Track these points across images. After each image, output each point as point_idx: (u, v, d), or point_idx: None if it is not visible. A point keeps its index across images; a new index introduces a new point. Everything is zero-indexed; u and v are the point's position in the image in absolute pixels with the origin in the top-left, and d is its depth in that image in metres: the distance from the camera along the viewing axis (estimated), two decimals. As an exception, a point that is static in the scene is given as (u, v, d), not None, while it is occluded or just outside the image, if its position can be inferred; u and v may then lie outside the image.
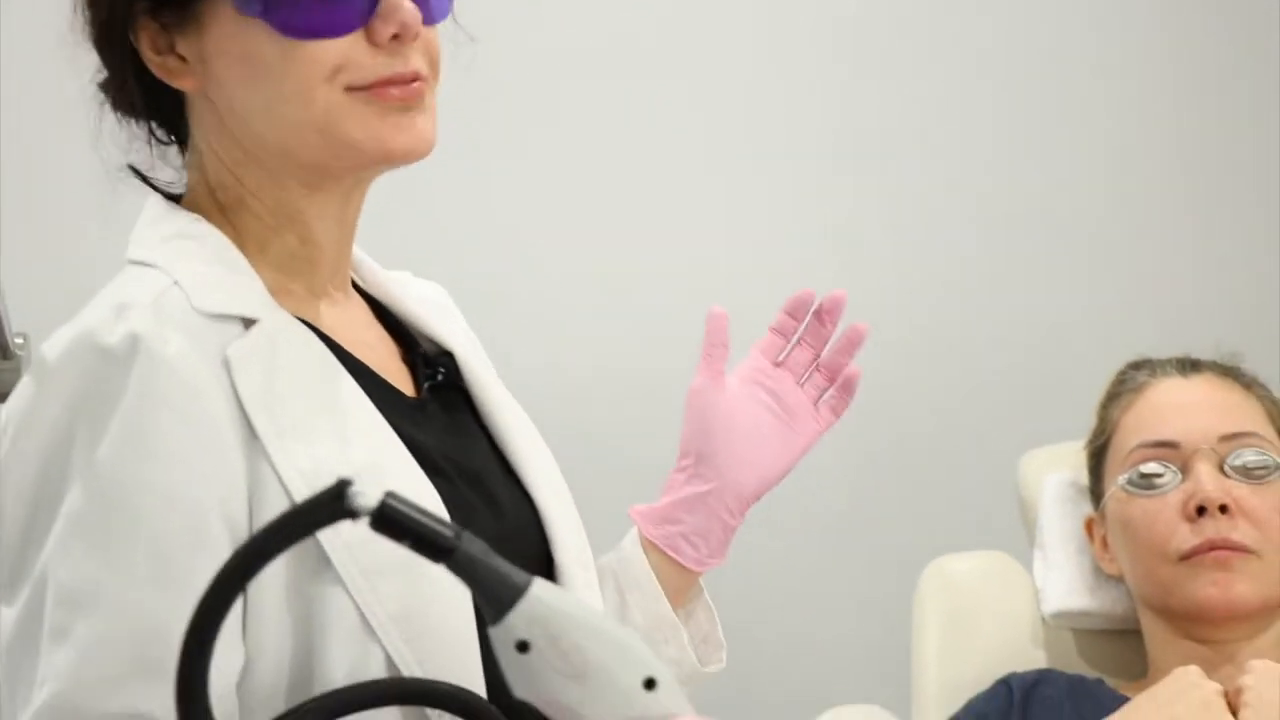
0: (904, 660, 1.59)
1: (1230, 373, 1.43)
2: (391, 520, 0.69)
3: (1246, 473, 1.34)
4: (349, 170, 0.92)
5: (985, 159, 2.21)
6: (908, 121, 2.20)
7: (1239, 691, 1.23)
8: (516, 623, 0.72)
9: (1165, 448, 1.37)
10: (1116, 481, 1.40)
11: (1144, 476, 1.37)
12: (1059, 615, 1.53)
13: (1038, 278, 2.24)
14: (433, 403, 0.97)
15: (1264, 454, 1.35)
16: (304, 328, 0.90)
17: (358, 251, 1.01)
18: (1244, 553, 1.31)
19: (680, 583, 1.09)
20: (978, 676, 1.47)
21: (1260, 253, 2.26)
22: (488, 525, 0.91)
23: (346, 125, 0.87)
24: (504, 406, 1.01)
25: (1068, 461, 1.57)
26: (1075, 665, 1.52)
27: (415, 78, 0.89)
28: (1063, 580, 1.53)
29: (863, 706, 1.54)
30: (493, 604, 0.72)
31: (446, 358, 1.01)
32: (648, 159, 2.10)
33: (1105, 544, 1.46)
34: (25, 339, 1.53)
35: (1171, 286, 2.23)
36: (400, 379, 0.97)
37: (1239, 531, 1.31)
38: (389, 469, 0.86)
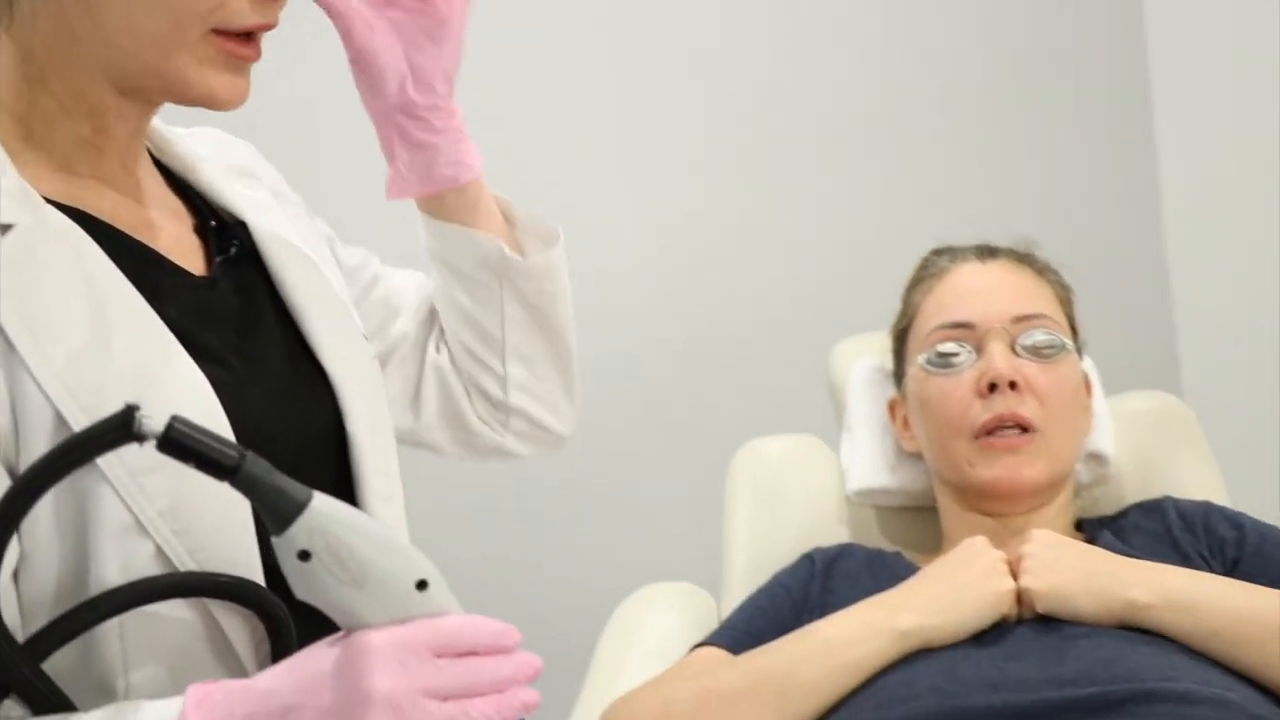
0: (717, 539, 1.64)
1: (1025, 259, 1.49)
2: (177, 444, 0.74)
3: (1036, 352, 1.40)
4: (163, 98, 0.93)
5: (801, 77, 2.28)
6: (730, 46, 2.26)
7: (1020, 559, 1.29)
8: (297, 534, 0.77)
9: (961, 328, 1.42)
10: (916, 362, 1.45)
11: (941, 356, 1.42)
12: (862, 493, 1.58)
13: (856, 178, 2.30)
14: (224, 279, 0.96)
15: (1052, 334, 1.41)
16: (68, 223, 0.88)
17: (154, 120, 0.99)
18: (1030, 432, 1.36)
19: (465, 200, 1.13)
20: (785, 552, 1.53)
21: (1046, 142, 2.36)
22: (265, 404, 0.91)
23: (187, 64, 0.88)
24: (300, 277, 1.00)
25: (878, 349, 1.62)
26: (876, 540, 1.58)
27: (268, 29, 0.91)
28: (866, 460, 1.58)
29: (675, 584, 1.58)
30: (275, 518, 0.77)
31: (242, 228, 1.00)
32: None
33: (906, 424, 1.52)
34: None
35: (969, 183, 2.32)
36: (191, 256, 0.96)
37: (1026, 408, 1.37)
38: (152, 361, 0.86)
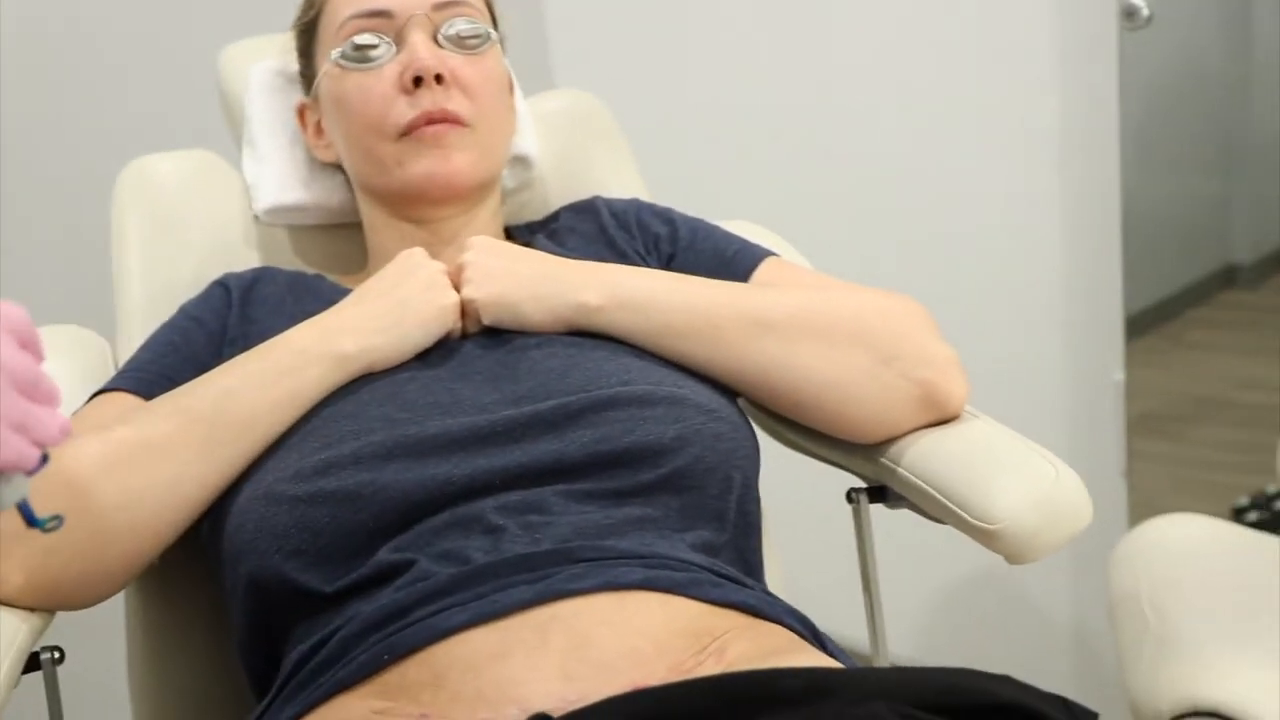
0: (106, 275, 1.42)
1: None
2: None
3: (460, 42, 1.28)
4: None
5: None
6: None
7: (461, 268, 1.19)
8: None
9: (378, 18, 1.27)
10: (329, 58, 1.29)
11: (358, 49, 1.27)
12: (272, 211, 1.42)
13: None
14: None
15: (476, 23, 1.29)
16: None
17: None
18: (460, 125, 1.25)
19: None
20: (188, 283, 1.36)
21: None
22: None
23: None
24: None
25: (279, 50, 1.43)
26: (292, 263, 1.44)
27: None
28: (275, 175, 1.42)
29: (59, 326, 1.36)
30: None
31: None
32: None
33: (319, 130, 1.36)
34: None
35: None
36: None
37: (454, 102, 1.25)
38: None
